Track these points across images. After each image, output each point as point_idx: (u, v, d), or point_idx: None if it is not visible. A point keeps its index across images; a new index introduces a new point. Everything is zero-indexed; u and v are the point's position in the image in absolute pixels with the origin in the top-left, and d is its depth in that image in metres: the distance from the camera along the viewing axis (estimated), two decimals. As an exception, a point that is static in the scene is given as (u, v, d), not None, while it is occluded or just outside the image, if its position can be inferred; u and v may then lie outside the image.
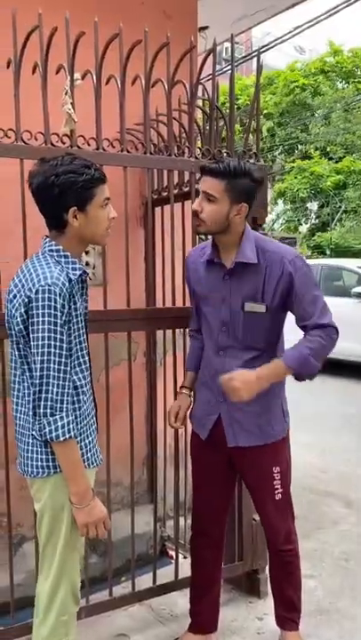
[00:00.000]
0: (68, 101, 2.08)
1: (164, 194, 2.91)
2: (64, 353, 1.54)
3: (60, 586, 1.64)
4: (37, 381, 1.52)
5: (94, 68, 2.10)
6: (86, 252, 3.19)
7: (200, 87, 2.45)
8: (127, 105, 2.18)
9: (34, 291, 1.53)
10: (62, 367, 1.54)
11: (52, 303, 1.52)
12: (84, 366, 1.66)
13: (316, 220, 17.71)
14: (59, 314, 1.53)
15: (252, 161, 2.44)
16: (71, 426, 1.54)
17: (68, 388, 1.56)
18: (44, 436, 1.53)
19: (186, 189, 2.71)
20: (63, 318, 1.54)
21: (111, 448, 2.25)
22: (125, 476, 2.43)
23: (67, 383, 1.55)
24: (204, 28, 4.00)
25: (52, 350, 1.52)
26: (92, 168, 1.63)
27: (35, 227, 1.83)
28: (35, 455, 1.61)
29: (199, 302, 2.09)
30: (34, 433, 1.57)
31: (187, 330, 2.36)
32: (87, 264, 3.19)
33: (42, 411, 1.52)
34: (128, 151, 2.20)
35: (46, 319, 1.52)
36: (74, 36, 2.01)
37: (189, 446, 2.23)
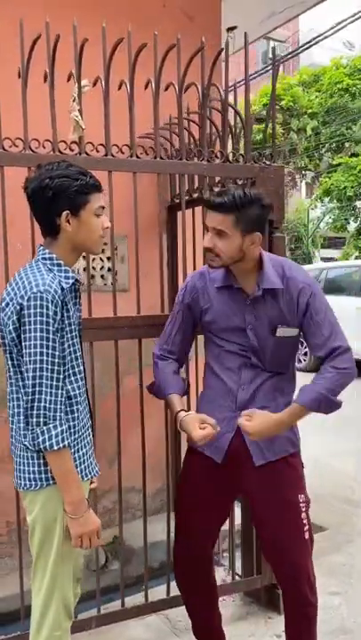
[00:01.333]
0: (75, 108, 2.07)
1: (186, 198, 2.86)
2: (57, 360, 1.52)
3: (52, 600, 1.62)
4: (30, 390, 1.51)
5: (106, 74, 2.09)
6: (108, 258, 3.19)
7: (215, 88, 2.39)
8: (143, 110, 2.16)
9: (25, 298, 1.51)
10: (55, 375, 1.52)
11: (45, 310, 1.50)
12: (78, 376, 1.63)
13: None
14: (51, 321, 1.51)
15: (268, 162, 2.37)
16: (65, 435, 1.52)
17: (62, 397, 1.54)
18: (37, 446, 1.51)
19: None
20: (55, 326, 1.52)
21: (134, 456, 2.21)
22: (149, 484, 2.39)
23: (60, 391, 1.53)
24: (231, 29, 3.94)
25: (45, 358, 1.50)
26: (87, 175, 1.62)
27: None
28: (26, 467, 1.59)
29: (209, 330, 1.96)
30: (26, 443, 1.56)
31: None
32: (109, 270, 3.20)
33: (34, 420, 1.50)
34: (138, 156, 2.17)
35: (38, 327, 1.50)
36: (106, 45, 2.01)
37: (187, 471, 2.03)
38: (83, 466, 1.64)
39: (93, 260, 3.10)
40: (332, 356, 1.83)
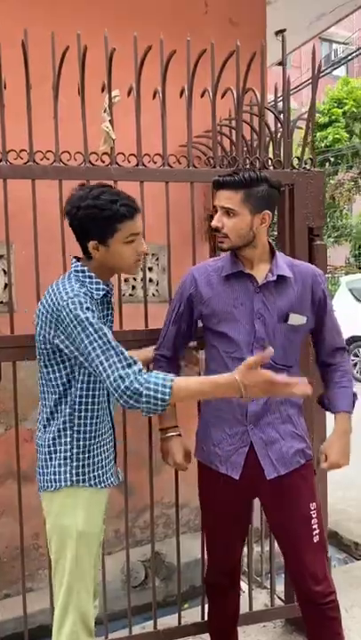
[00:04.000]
0: (106, 119, 2.05)
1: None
2: (110, 339, 1.51)
3: (68, 613, 1.62)
4: (107, 379, 1.47)
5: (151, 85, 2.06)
6: (150, 269, 3.16)
7: (256, 94, 2.31)
8: (183, 118, 2.11)
9: (57, 308, 1.55)
10: (118, 351, 1.49)
11: (79, 306, 1.52)
12: (102, 384, 1.63)
13: None
14: (89, 315, 1.51)
15: (307, 168, 2.26)
16: (161, 379, 1.46)
17: (133, 363, 1.50)
18: (159, 409, 1.46)
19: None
20: (95, 315, 1.53)
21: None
22: (194, 498, 2.31)
23: (130, 361, 1.49)
24: (280, 32, 3.84)
25: (99, 344, 1.49)
26: (117, 203, 1.60)
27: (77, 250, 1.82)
28: (44, 470, 1.64)
29: (210, 323, 1.87)
30: (41, 443, 1.65)
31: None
32: (150, 280, 3.16)
33: (133, 400, 1.45)
34: (170, 165, 2.12)
35: (81, 326, 1.51)
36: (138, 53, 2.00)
37: (204, 487, 1.95)
38: (100, 472, 1.66)
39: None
40: (342, 353, 1.94)
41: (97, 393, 1.65)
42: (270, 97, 3.43)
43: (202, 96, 2.25)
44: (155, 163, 2.11)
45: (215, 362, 1.85)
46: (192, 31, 2.12)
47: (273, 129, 2.39)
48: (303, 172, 2.24)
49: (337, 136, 17.74)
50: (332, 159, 18.33)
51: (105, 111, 2.05)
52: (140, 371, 1.47)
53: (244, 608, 2.25)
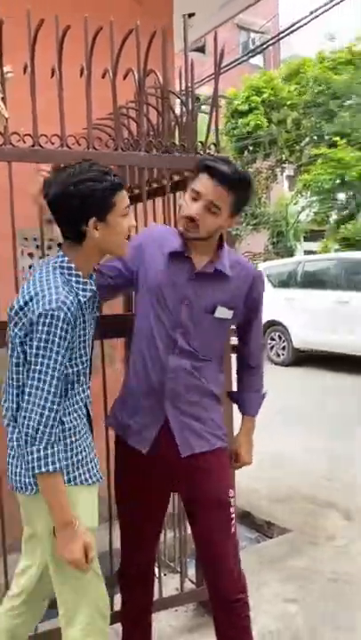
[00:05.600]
0: (-2, 96, 1.93)
1: (136, 191, 2.73)
2: (59, 383, 1.50)
3: (81, 606, 1.64)
4: (28, 406, 1.48)
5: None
6: (30, 255, 3.06)
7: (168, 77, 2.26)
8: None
9: (37, 314, 1.47)
10: (56, 399, 1.49)
11: (53, 330, 1.47)
12: (84, 386, 1.64)
13: (345, 212, 17.15)
14: (61, 342, 1.48)
15: (212, 152, 2.25)
16: (59, 457, 1.48)
17: (58, 420, 1.51)
18: (28, 464, 1.48)
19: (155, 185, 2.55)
20: (65, 344, 1.49)
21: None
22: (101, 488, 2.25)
23: (56, 415, 1.49)
24: (190, 15, 3.79)
25: (47, 379, 1.48)
26: (110, 174, 1.53)
27: None
28: (20, 469, 1.59)
29: (143, 291, 1.79)
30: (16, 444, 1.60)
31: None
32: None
33: (29, 438, 1.47)
34: (69, 147, 2.03)
35: (43, 345, 1.47)
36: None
37: (115, 465, 1.91)
38: (85, 468, 1.61)
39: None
40: (261, 356, 2.00)
41: (83, 396, 1.63)
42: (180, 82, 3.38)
43: (103, 76, 2.17)
44: (53, 144, 2.02)
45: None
46: (96, 8, 2.04)
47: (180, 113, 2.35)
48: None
49: (258, 122, 18.11)
50: (250, 148, 18.66)
51: (-4, 88, 1.93)
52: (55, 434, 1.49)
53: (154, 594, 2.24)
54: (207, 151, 2.26)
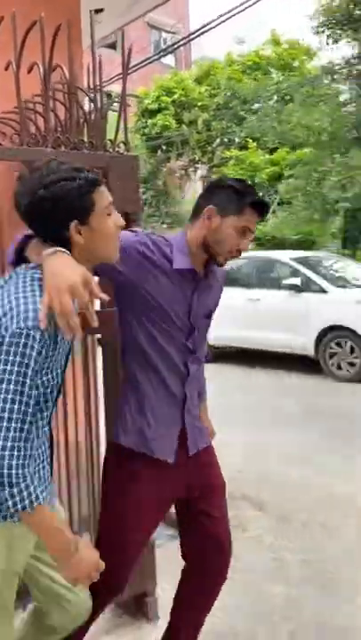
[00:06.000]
0: None
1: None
2: (29, 410, 1.31)
3: None
4: None
5: None
6: None
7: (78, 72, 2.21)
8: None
9: (10, 332, 1.29)
10: (25, 426, 1.31)
11: (28, 351, 1.28)
12: (50, 411, 1.46)
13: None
14: (32, 364, 1.29)
15: (120, 152, 2.24)
16: (38, 491, 1.33)
17: (30, 450, 1.33)
18: (8, 509, 1.32)
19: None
20: (36, 368, 1.31)
21: None
22: None
23: (28, 444, 1.31)
24: (98, 11, 3.76)
25: (15, 407, 1.29)
26: (83, 171, 1.38)
27: None
28: None
29: (144, 308, 1.76)
30: None
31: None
32: None
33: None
34: None
35: (15, 369, 1.28)
36: None
37: (121, 483, 1.84)
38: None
39: None
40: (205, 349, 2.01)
41: (46, 414, 1.46)
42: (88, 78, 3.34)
43: (6, 69, 2.10)
44: None
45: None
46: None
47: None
48: (116, 156, 2.21)
49: (166, 123, 18.26)
50: (163, 147, 18.80)
51: None
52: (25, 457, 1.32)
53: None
54: (116, 149, 2.24)
